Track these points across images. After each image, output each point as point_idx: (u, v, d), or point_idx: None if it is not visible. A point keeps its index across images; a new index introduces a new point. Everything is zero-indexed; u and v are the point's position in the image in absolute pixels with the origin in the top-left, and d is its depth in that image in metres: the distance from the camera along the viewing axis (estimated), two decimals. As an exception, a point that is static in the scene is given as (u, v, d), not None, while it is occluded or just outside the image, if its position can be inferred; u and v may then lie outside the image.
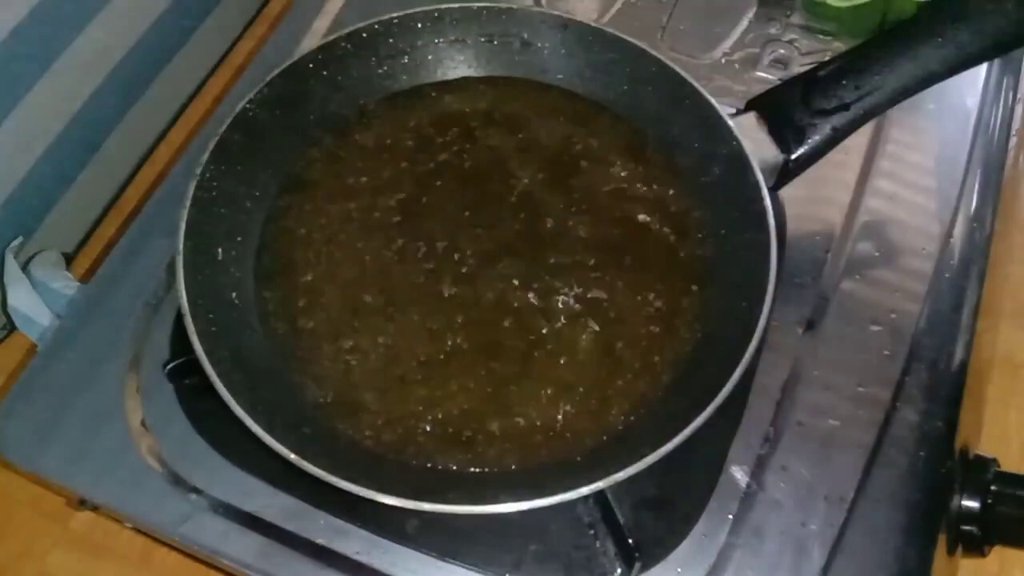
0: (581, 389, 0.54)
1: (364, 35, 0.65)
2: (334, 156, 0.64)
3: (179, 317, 0.54)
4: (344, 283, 0.58)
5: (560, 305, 0.57)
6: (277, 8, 0.97)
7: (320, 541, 0.53)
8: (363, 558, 0.52)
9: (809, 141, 0.58)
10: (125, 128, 0.84)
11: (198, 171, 0.57)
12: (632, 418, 0.53)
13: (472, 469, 0.52)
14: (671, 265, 0.59)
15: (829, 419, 0.56)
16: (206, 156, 0.58)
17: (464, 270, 0.58)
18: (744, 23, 0.75)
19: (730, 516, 0.53)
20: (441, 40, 0.67)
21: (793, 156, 0.58)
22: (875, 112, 0.58)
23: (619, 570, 0.52)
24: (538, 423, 0.53)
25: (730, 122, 0.58)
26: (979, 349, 0.59)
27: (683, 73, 0.61)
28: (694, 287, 0.58)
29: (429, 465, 0.52)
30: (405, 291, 0.58)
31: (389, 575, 0.52)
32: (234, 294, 0.57)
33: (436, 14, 0.66)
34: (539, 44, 0.67)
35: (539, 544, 0.53)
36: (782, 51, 0.73)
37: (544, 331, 0.56)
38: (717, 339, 0.55)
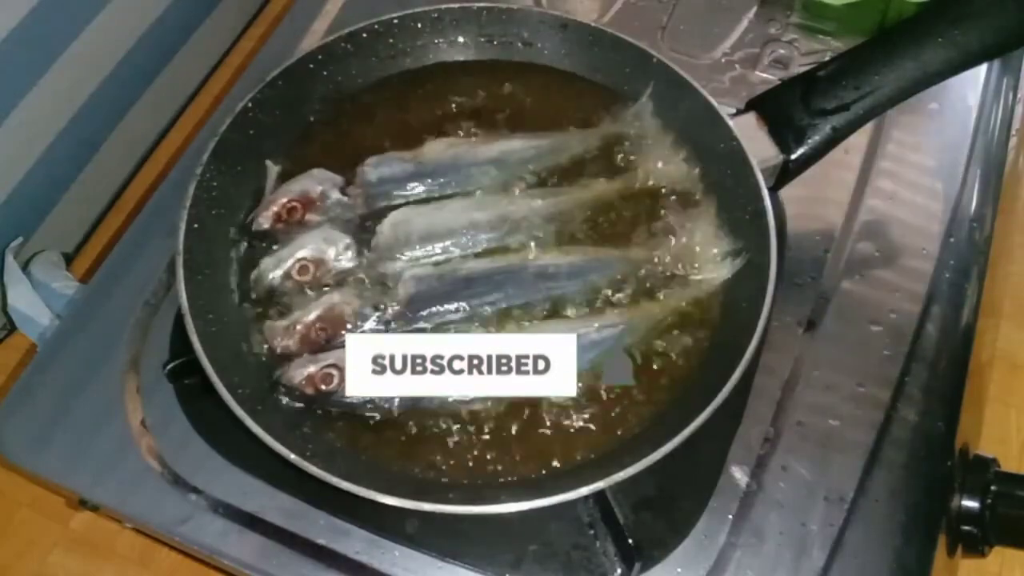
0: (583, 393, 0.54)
1: (364, 35, 0.65)
2: (334, 155, 0.64)
3: (179, 317, 0.54)
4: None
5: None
6: (277, 8, 0.97)
7: (320, 541, 0.53)
8: (363, 558, 0.52)
9: (809, 141, 0.58)
10: (125, 128, 0.85)
11: (198, 171, 0.57)
12: (634, 419, 0.53)
13: (473, 472, 0.52)
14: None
15: (829, 419, 0.56)
16: (206, 156, 0.58)
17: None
18: (744, 23, 0.75)
19: (730, 516, 0.53)
20: (441, 40, 0.67)
21: (793, 156, 0.58)
22: (875, 112, 0.58)
23: (619, 570, 0.52)
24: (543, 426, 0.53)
25: (730, 122, 0.58)
26: (979, 349, 0.59)
27: (683, 73, 0.61)
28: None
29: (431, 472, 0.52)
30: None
31: (389, 575, 0.52)
32: (234, 294, 0.57)
33: (436, 14, 0.66)
34: (539, 44, 0.67)
35: (539, 544, 0.53)
36: (782, 51, 0.73)
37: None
38: (717, 339, 0.55)
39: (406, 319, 0.55)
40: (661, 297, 0.56)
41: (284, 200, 0.58)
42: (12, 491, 0.68)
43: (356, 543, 0.53)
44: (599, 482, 0.46)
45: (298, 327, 0.54)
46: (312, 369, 0.52)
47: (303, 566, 0.53)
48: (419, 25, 0.66)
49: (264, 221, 0.58)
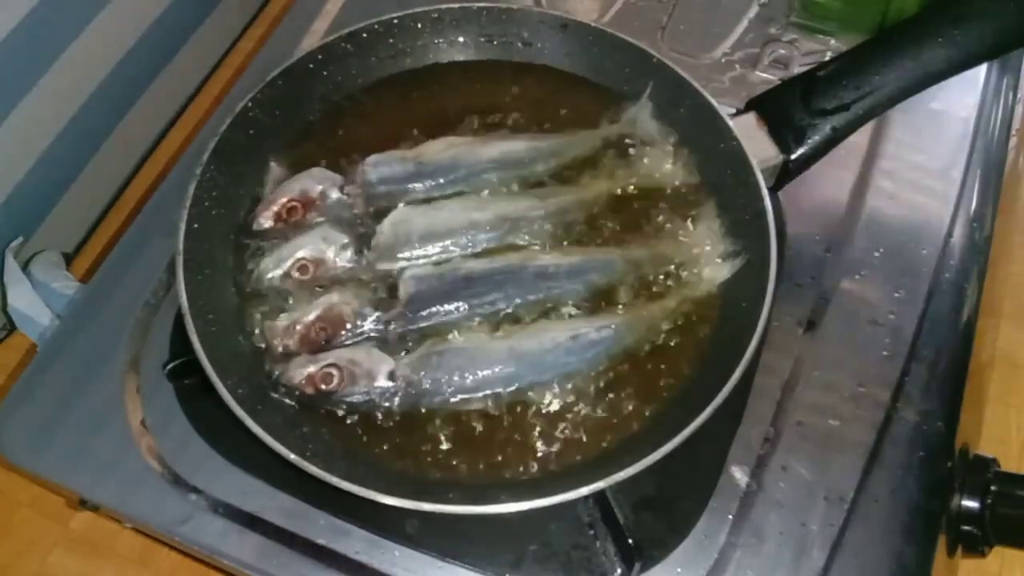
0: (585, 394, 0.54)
1: (364, 35, 0.65)
2: (334, 155, 0.64)
3: (179, 317, 0.54)
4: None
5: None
6: (277, 8, 0.97)
7: (320, 541, 0.53)
8: (363, 558, 0.52)
9: (809, 141, 0.58)
10: (125, 128, 0.85)
11: (198, 171, 0.57)
12: (634, 419, 0.53)
13: (473, 472, 0.52)
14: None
15: (829, 419, 0.56)
16: (206, 156, 0.58)
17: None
18: (744, 23, 0.75)
19: (730, 516, 0.53)
20: (441, 40, 0.67)
21: (793, 156, 0.58)
22: (875, 112, 0.58)
23: (619, 570, 0.52)
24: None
25: (730, 122, 0.58)
26: (979, 349, 0.59)
27: (683, 73, 0.61)
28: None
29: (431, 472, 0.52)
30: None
31: (389, 575, 0.52)
32: (234, 294, 0.57)
33: (436, 14, 0.66)
34: (539, 44, 0.67)
35: (539, 544, 0.53)
36: (782, 51, 0.73)
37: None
38: (717, 339, 0.55)
39: (406, 319, 0.55)
40: (661, 297, 0.57)
41: (284, 200, 0.58)
42: (12, 491, 0.68)
43: (356, 543, 0.53)
44: (599, 482, 0.46)
45: (298, 327, 0.54)
46: (312, 369, 0.52)
47: (303, 566, 0.53)
48: (419, 25, 0.66)
49: (264, 221, 0.58)
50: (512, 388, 0.53)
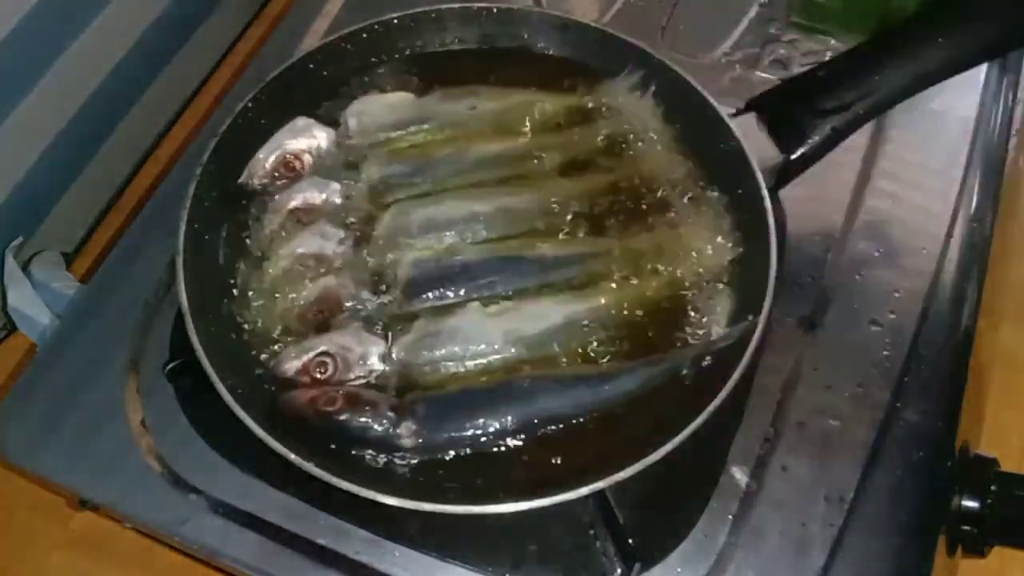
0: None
1: (364, 35, 0.65)
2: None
3: (179, 317, 0.54)
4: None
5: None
6: (277, 8, 0.97)
7: (320, 541, 0.53)
8: (363, 558, 0.52)
9: (809, 141, 0.58)
10: (125, 128, 0.84)
11: (198, 171, 0.57)
12: (634, 419, 0.53)
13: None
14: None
15: (829, 419, 0.56)
16: (206, 156, 0.58)
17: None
18: (744, 23, 0.75)
19: (730, 516, 0.53)
20: (441, 40, 0.67)
21: (793, 156, 0.58)
22: (875, 112, 0.58)
23: (619, 570, 0.52)
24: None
25: (730, 122, 0.58)
26: (979, 349, 0.60)
27: (683, 73, 0.61)
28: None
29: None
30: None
31: (389, 575, 0.52)
32: (234, 294, 0.57)
33: (436, 14, 0.66)
34: (540, 44, 0.67)
35: (539, 544, 0.53)
36: (782, 51, 0.73)
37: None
38: (717, 339, 0.55)
39: (402, 302, 0.55)
40: (660, 293, 0.56)
41: (286, 211, 0.58)
42: (12, 491, 0.68)
43: (356, 543, 0.53)
44: (599, 482, 0.47)
45: (295, 312, 0.55)
46: (307, 358, 0.52)
47: (303, 566, 0.53)
48: (419, 25, 0.66)
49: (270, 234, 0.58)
50: (510, 363, 0.53)
